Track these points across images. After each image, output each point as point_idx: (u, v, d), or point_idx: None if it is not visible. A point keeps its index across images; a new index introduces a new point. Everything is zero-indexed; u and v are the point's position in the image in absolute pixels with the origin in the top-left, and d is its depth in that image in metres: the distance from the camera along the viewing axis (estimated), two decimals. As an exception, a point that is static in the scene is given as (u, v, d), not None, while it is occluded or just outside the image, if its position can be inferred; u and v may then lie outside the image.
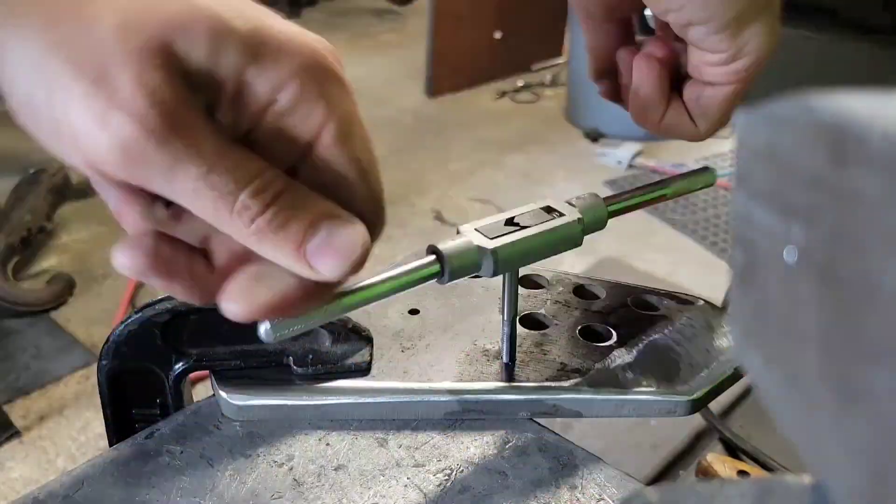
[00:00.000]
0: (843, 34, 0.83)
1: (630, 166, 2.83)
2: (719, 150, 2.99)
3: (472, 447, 0.43)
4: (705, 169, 0.49)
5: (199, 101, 0.27)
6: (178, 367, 0.45)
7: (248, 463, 0.42)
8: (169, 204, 0.28)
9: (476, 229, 0.41)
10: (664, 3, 0.39)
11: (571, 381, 0.45)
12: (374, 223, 0.31)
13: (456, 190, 2.64)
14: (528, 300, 0.52)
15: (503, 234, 0.40)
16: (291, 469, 0.42)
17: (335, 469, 0.42)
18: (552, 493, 0.40)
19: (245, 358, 0.45)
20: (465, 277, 0.39)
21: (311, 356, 0.45)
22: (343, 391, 0.45)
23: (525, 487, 0.41)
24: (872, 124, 0.13)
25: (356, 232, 0.29)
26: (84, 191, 2.54)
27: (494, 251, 0.39)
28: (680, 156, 2.93)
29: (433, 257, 0.37)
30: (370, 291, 0.34)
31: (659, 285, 0.55)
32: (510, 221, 0.42)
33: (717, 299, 0.57)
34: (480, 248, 0.39)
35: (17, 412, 1.64)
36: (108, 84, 0.25)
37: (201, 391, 0.47)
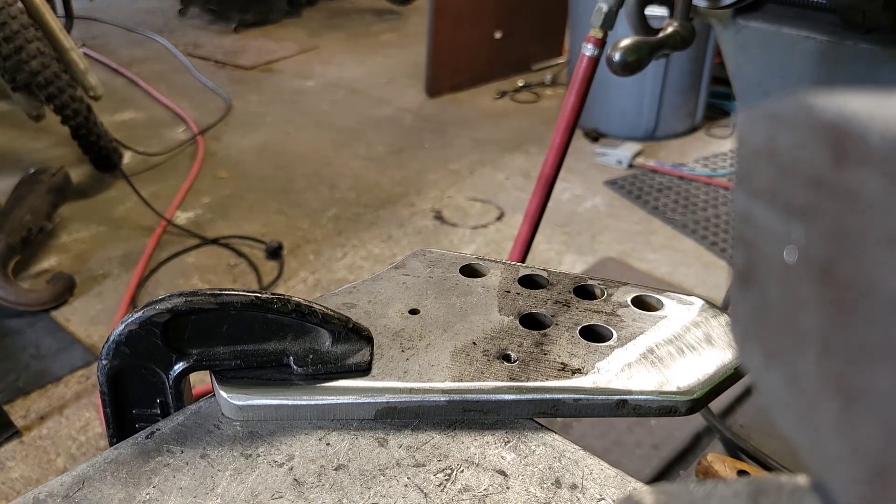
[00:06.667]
0: (843, 34, 0.83)
1: (630, 166, 2.83)
2: (719, 150, 3.00)
3: (472, 447, 0.43)
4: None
5: None
6: (178, 367, 0.45)
7: (248, 463, 0.42)
8: None
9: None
10: None
11: (571, 381, 0.45)
12: None
13: (456, 190, 2.64)
14: (528, 300, 0.52)
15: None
16: (291, 469, 0.42)
17: (335, 469, 0.42)
18: (552, 493, 0.40)
19: (245, 358, 0.45)
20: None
21: (311, 356, 0.45)
22: (343, 391, 0.45)
23: (525, 487, 0.41)
24: (872, 124, 0.13)
25: None
26: (84, 191, 2.55)
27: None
28: (679, 156, 2.93)
29: None
30: None
31: (659, 285, 0.55)
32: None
33: (717, 299, 0.57)
34: None
35: (17, 412, 1.64)
36: None
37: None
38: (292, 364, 0.45)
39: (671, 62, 2.87)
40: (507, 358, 0.47)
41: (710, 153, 2.98)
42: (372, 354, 0.46)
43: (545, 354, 0.47)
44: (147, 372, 0.45)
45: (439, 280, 0.55)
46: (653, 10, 1.01)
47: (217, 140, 3.04)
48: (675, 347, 0.48)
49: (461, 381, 0.45)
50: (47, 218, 2.22)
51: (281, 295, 0.44)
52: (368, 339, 0.47)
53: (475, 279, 0.55)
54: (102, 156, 2.54)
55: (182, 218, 2.43)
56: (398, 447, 0.43)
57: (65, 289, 1.99)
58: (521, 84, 3.68)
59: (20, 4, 2.18)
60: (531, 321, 0.51)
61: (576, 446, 0.43)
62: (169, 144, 2.95)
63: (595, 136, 3.03)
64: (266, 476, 0.41)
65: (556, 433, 0.44)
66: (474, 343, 0.48)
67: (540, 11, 3.74)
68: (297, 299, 0.44)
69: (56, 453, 1.54)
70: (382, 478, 0.41)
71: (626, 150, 2.86)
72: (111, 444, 0.45)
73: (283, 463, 0.42)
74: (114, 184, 2.61)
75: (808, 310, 0.15)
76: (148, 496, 0.40)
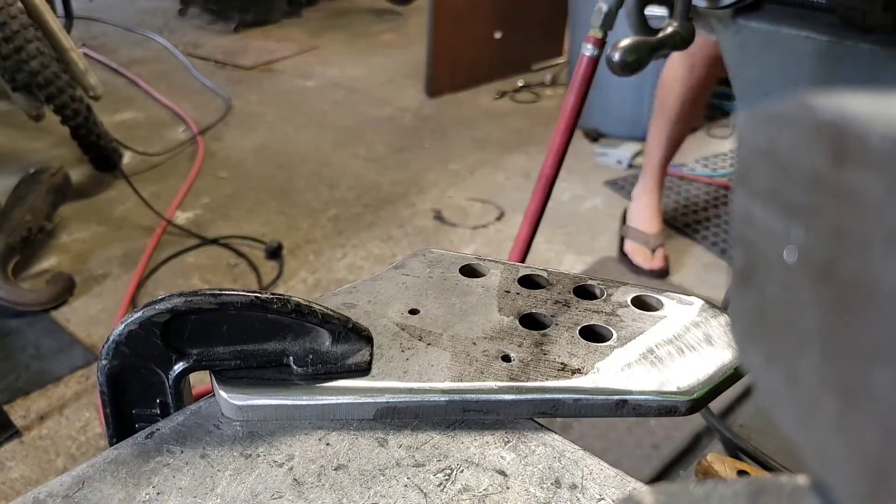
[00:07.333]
0: (843, 34, 0.83)
1: (630, 166, 2.83)
2: (719, 150, 3.00)
3: (472, 447, 0.43)
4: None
5: None
6: (178, 367, 0.45)
7: (248, 463, 0.42)
8: None
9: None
10: None
11: (571, 381, 0.45)
12: None
13: (456, 190, 2.64)
14: (528, 300, 0.52)
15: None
16: (291, 469, 0.42)
17: (335, 469, 0.42)
18: (552, 493, 0.40)
19: (245, 358, 0.45)
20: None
21: (311, 356, 0.45)
22: (343, 391, 0.45)
23: (525, 487, 0.41)
24: (872, 124, 0.13)
25: None
26: (84, 191, 2.55)
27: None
28: (679, 156, 2.93)
29: None
30: None
31: (659, 285, 0.55)
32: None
33: (717, 299, 0.57)
34: None
35: (17, 412, 1.64)
36: None
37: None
38: (292, 364, 0.45)
39: (671, 62, 2.86)
40: (506, 358, 0.47)
41: (710, 153, 2.98)
42: (372, 354, 0.46)
43: (545, 354, 0.47)
44: (147, 372, 0.45)
45: (439, 280, 0.55)
46: (653, 10, 1.01)
47: (217, 140, 3.04)
48: (674, 347, 0.48)
49: (461, 381, 0.45)
50: (47, 218, 2.22)
51: (281, 295, 0.44)
52: (368, 339, 0.47)
53: (475, 279, 0.55)
54: (102, 156, 2.54)
55: (182, 218, 2.43)
56: (398, 447, 0.43)
57: (65, 289, 1.99)
58: (521, 84, 3.68)
59: (20, 4, 2.18)
60: (531, 321, 0.51)
61: (576, 446, 0.43)
62: (169, 144, 2.95)
63: (595, 136, 3.03)
64: (266, 476, 0.41)
65: (555, 433, 0.44)
66: (474, 343, 0.48)
67: (540, 11, 3.74)
68: (296, 299, 0.44)
69: (56, 453, 1.54)
70: (382, 478, 0.41)
71: (626, 150, 2.86)
72: (111, 444, 0.45)
73: (283, 463, 0.42)
74: (114, 184, 2.61)
75: (808, 310, 0.15)
76: (148, 496, 0.40)
